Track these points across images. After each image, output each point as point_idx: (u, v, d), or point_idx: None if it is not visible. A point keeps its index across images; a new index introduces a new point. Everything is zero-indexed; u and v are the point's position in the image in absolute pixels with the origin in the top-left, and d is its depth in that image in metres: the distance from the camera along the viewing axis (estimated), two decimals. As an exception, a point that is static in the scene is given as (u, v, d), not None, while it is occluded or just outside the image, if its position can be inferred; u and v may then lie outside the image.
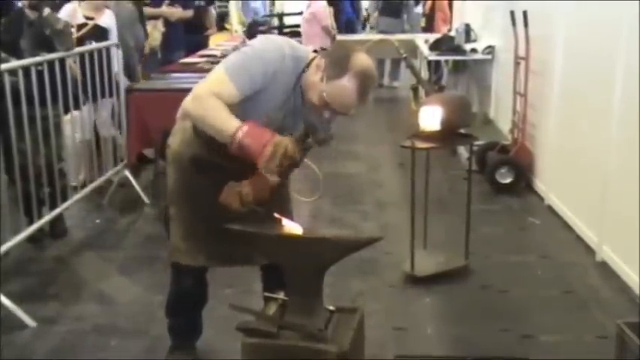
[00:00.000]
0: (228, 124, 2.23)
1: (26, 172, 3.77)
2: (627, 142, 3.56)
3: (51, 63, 3.95)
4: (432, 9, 10.41)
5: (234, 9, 13.45)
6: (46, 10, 4.01)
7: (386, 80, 10.56)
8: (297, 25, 9.79)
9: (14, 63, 3.64)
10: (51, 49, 3.99)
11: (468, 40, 6.89)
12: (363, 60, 2.28)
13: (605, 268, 3.81)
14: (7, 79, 3.50)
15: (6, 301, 3.25)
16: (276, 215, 2.36)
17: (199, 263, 2.63)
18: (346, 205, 4.97)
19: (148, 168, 5.48)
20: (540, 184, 5.08)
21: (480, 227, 4.17)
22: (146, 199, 4.98)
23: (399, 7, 10.30)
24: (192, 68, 5.86)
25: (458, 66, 7.45)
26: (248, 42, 2.50)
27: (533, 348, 3.05)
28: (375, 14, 10.38)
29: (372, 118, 7.95)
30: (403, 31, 9.92)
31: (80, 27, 4.73)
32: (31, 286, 3.67)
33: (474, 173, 4.35)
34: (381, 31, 9.89)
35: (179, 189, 2.59)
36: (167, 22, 6.83)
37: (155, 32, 6.63)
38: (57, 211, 4.09)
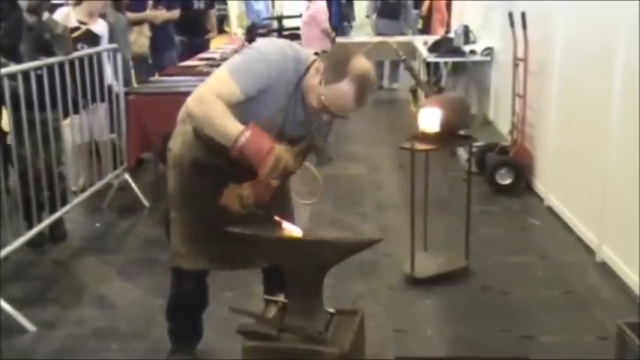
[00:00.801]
0: (230, 127, 2.23)
1: (26, 176, 3.77)
2: (626, 142, 3.56)
3: (50, 67, 3.95)
4: (430, 11, 10.42)
5: (233, 12, 13.48)
6: (46, 15, 4.01)
7: (385, 82, 10.57)
8: (297, 28, 9.78)
9: (14, 67, 3.64)
10: (50, 54, 3.99)
11: (467, 41, 6.89)
12: (362, 64, 2.29)
13: (605, 268, 3.81)
14: (6, 84, 3.51)
15: (6, 306, 3.24)
16: (277, 218, 2.37)
17: (200, 267, 2.63)
18: (346, 207, 4.97)
19: (148, 172, 5.48)
20: (540, 185, 5.08)
21: (479, 228, 4.17)
22: (146, 203, 4.98)
23: (398, 8, 10.30)
24: (191, 71, 5.86)
25: (457, 67, 7.45)
26: (250, 45, 2.51)
27: (534, 348, 3.05)
28: (374, 16, 10.38)
29: (371, 119, 7.96)
30: (402, 33, 9.93)
31: (73, 30, 4.74)
32: (31, 290, 3.67)
33: (474, 174, 4.35)
34: (380, 33, 9.89)
35: (180, 192, 2.58)
36: (153, 26, 6.72)
37: (141, 38, 6.53)
38: (57, 215, 4.09)
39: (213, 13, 8.48)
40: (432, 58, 7.00)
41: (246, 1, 13.06)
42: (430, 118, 3.55)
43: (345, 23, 12.93)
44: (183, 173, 2.56)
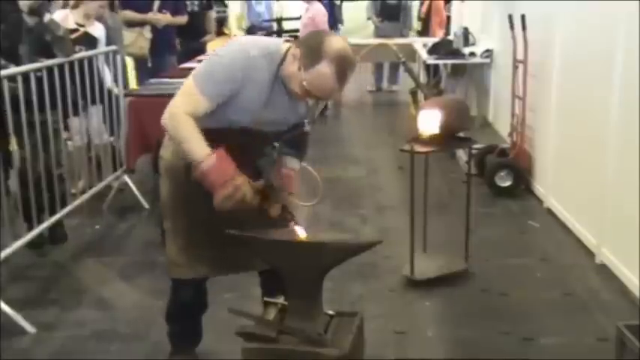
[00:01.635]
0: (196, 150, 2.28)
1: (25, 178, 3.77)
2: (626, 144, 3.56)
3: (50, 69, 3.95)
4: (428, 13, 10.42)
5: (232, 14, 13.46)
6: (47, 16, 4.01)
7: (385, 84, 10.57)
8: (297, 30, 9.78)
9: (13, 69, 3.64)
10: (50, 56, 3.99)
11: (467, 43, 6.90)
12: (337, 43, 2.27)
13: (604, 270, 3.81)
14: (6, 86, 3.51)
15: (5, 307, 3.24)
16: (288, 222, 2.38)
17: (200, 274, 2.61)
18: (346, 209, 4.97)
19: (147, 173, 5.47)
20: (539, 187, 5.09)
21: (479, 230, 4.17)
22: (146, 205, 4.98)
23: (397, 10, 10.30)
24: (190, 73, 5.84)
25: (456, 70, 7.46)
26: (215, 50, 2.51)
27: (534, 350, 3.05)
28: (374, 17, 10.38)
29: (371, 121, 7.97)
30: (401, 35, 9.93)
31: (70, 33, 4.74)
32: (31, 292, 3.67)
33: (474, 176, 4.35)
34: (379, 35, 9.90)
35: (174, 199, 2.56)
36: (154, 28, 6.61)
37: (141, 40, 6.46)
38: (56, 216, 4.09)
39: (212, 15, 8.43)
40: (431, 60, 7.01)
41: (248, 2, 13.03)
42: (430, 120, 3.56)
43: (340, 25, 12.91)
44: (177, 180, 2.52)
